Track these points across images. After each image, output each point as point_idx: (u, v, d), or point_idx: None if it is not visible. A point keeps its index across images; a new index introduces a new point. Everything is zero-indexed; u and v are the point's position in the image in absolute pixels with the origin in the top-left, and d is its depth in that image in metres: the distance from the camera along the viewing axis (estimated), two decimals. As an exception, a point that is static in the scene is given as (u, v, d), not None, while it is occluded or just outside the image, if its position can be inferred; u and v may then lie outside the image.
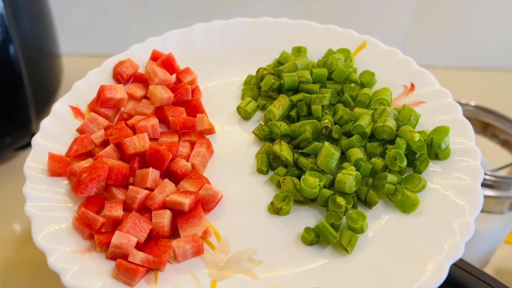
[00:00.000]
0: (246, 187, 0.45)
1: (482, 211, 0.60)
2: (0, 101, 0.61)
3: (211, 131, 0.49)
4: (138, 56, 0.54)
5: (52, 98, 0.72)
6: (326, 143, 0.43)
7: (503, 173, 0.71)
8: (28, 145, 0.68)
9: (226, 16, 0.59)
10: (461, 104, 0.70)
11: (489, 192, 0.60)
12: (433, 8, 0.94)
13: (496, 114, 0.69)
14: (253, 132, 0.48)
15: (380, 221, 0.41)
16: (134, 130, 0.46)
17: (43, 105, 0.69)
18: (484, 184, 0.60)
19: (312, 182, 0.41)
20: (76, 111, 0.49)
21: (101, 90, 0.49)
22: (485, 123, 0.70)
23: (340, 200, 0.41)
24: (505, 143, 0.69)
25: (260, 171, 0.45)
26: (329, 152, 0.42)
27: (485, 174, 0.59)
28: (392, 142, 0.45)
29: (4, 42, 0.58)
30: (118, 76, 0.52)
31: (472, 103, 0.70)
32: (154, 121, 0.47)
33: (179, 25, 0.59)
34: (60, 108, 0.49)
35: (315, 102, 0.48)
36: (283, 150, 0.45)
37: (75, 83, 0.51)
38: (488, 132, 0.71)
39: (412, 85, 0.50)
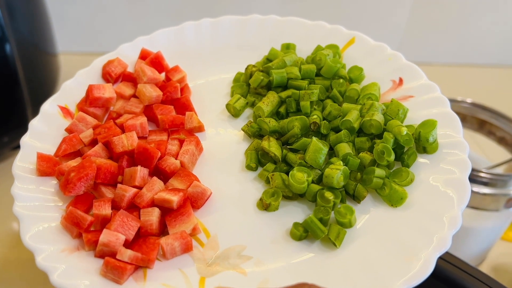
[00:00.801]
0: (235, 184, 0.45)
1: (478, 208, 0.61)
2: (-4, 100, 0.61)
3: (200, 128, 0.49)
4: (127, 55, 0.54)
5: (49, 96, 0.72)
6: (314, 138, 0.43)
7: (499, 170, 0.71)
8: None
9: (226, 13, 0.59)
10: (457, 101, 0.70)
11: (485, 190, 0.59)
12: (431, 4, 0.94)
13: (493, 111, 0.69)
14: (242, 129, 0.48)
15: (368, 215, 0.41)
16: (123, 129, 0.46)
17: (40, 103, 0.68)
18: (480, 182, 0.60)
19: (300, 177, 0.41)
20: (65, 110, 0.49)
21: (90, 89, 0.48)
22: (481, 120, 0.70)
23: (328, 195, 0.41)
24: (502, 140, 0.69)
25: (249, 167, 0.45)
26: (317, 148, 0.42)
27: (481, 171, 0.59)
28: (380, 136, 0.45)
29: (0, 41, 0.58)
30: (107, 76, 0.52)
31: (469, 100, 0.70)
32: (143, 119, 0.47)
33: (178, 23, 0.58)
34: (49, 108, 0.49)
35: (303, 98, 0.48)
36: (272, 146, 0.45)
37: (64, 83, 0.51)
38: (484, 129, 0.70)
39: (401, 80, 0.50)
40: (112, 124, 0.46)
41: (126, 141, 0.44)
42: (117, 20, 0.95)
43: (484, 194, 0.60)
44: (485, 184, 0.60)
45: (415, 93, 0.48)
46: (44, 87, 0.71)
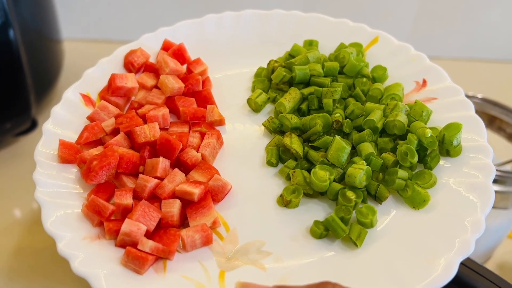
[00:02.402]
0: (255, 179, 0.45)
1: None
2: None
3: (221, 122, 0.49)
4: (149, 46, 0.54)
5: (52, 84, 0.71)
6: (337, 136, 0.43)
7: (508, 167, 0.70)
8: (28, 130, 0.68)
9: (226, 5, 0.58)
10: (468, 96, 0.69)
11: (494, 187, 0.58)
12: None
13: (503, 107, 0.68)
14: (263, 125, 0.48)
15: (390, 216, 0.41)
16: (145, 119, 0.46)
17: (44, 90, 0.68)
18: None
19: (322, 175, 0.41)
20: (87, 99, 0.49)
21: (112, 78, 0.48)
22: (491, 116, 0.69)
23: (350, 194, 0.40)
24: (512, 137, 0.68)
25: (269, 163, 0.45)
26: (340, 146, 0.42)
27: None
28: (403, 137, 0.44)
29: (4, 26, 0.57)
30: (129, 65, 0.52)
31: (479, 95, 0.69)
32: (165, 110, 0.47)
33: (181, 9, 0.57)
34: (71, 95, 0.49)
35: (326, 95, 0.47)
36: (293, 143, 0.44)
37: (86, 71, 0.51)
38: (494, 126, 0.69)
39: (424, 81, 0.50)
40: (134, 114, 0.46)
41: (149, 132, 0.44)
42: (122, 6, 0.93)
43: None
44: (494, 181, 0.58)
45: (439, 95, 0.48)
46: (48, 73, 0.70)
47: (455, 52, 0.99)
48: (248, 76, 0.54)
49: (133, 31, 0.64)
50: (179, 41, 0.55)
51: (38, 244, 0.56)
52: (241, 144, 0.48)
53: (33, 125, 0.68)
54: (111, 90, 0.48)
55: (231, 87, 0.53)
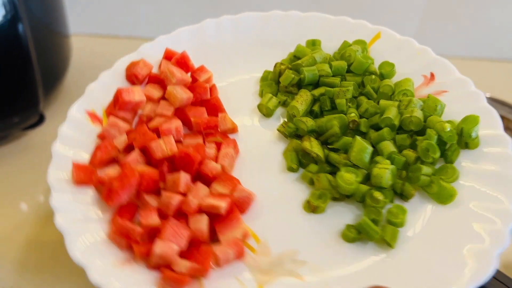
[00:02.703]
0: (276, 186, 0.44)
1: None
2: (8, 80, 0.59)
3: (234, 130, 0.48)
4: (150, 55, 0.53)
5: (60, 78, 0.71)
6: (358, 137, 0.43)
7: None
8: (35, 124, 0.66)
9: (237, 7, 0.57)
10: None
11: None
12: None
13: (511, 107, 0.69)
14: (278, 130, 0.47)
15: (418, 214, 0.41)
16: (157, 133, 0.45)
17: (51, 84, 0.68)
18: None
19: (349, 178, 0.41)
20: (93, 116, 0.47)
21: (119, 93, 0.47)
22: (499, 115, 0.70)
23: (378, 195, 0.40)
24: (518, 136, 0.69)
25: (290, 169, 0.45)
26: (362, 147, 0.42)
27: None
28: (419, 133, 0.44)
29: (13, 20, 0.55)
30: (133, 78, 0.50)
31: (487, 95, 0.69)
32: (178, 123, 0.45)
33: (189, 7, 0.55)
34: (76, 113, 0.47)
35: (338, 95, 0.47)
36: (314, 146, 0.44)
37: (88, 87, 0.49)
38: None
39: (432, 75, 0.50)
40: (146, 129, 0.45)
41: (165, 147, 0.42)
42: (129, 2, 0.91)
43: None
44: None
45: (449, 88, 0.48)
46: (56, 68, 0.70)
47: (463, 51, 0.99)
48: (253, 80, 0.53)
49: (140, 27, 0.61)
50: (178, 48, 0.53)
51: (46, 237, 0.55)
52: (256, 151, 0.47)
53: (40, 119, 0.67)
54: (119, 105, 0.47)
55: (236, 92, 0.52)
